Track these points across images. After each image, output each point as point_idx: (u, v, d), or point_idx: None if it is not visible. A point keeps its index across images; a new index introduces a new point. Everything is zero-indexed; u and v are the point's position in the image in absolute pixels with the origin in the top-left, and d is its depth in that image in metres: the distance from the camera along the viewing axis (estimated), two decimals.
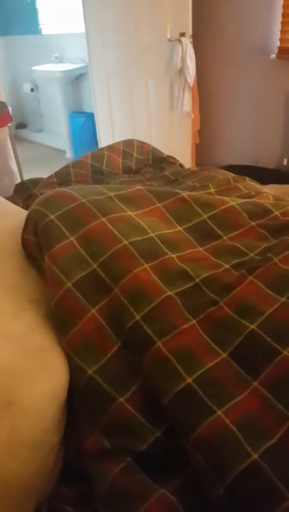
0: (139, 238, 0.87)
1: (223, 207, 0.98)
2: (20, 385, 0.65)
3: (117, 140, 1.86)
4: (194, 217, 0.97)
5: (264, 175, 1.71)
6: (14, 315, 0.77)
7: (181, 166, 1.69)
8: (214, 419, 0.62)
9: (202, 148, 3.03)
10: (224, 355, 0.71)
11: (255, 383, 0.66)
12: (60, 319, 0.78)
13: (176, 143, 2.92)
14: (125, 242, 0.85)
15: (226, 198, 1.02)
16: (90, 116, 3.58)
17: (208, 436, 0.61)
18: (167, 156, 1.71)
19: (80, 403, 0.72)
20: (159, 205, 0.98)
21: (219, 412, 0.63)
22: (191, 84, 2.71)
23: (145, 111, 3.05)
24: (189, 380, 0.67)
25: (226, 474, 0.57)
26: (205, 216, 0.97)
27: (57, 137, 4.27)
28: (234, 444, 0.59)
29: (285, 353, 0.68)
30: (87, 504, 0.66)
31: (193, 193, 1.02)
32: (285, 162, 2.70)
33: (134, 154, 1.69)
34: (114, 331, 0.77)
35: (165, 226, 0.94)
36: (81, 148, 3.72)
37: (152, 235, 0.89)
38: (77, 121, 3.81)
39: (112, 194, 0.97)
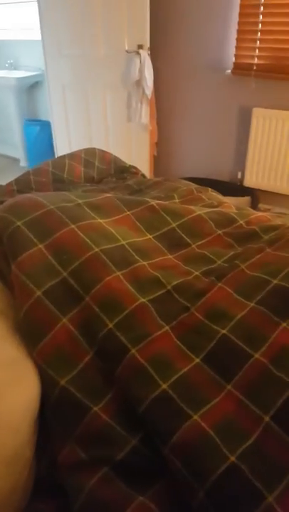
0: (110, 246, 0.87)
1: (191, 216, 1.01)
2: None
3: (74, 150, 1.85)
4: (163, 226, 0.98)
5: (220, 188, 1.78)
6: None
7: (143, 176, 1.71)
8: (191, 424, 0.63)
9: (160, 160, 3.10)
10: (197, 360, 0.72)
11: (229, 386, 0.68)
12: (30, 329, 0.76)
13: (134, 154, 2.96)
14: (96, 250, 0.84)
15: (193, 207, 1.04)
16: (46, 125, 3.54)
17: (186, 441, 0.61)
18: (129, 165, 1.73)
19: (53, 415, 0.70)
20: (128, 213, 0.98)
21: (196, 417, 0.63)
22: (149, 97, 2.77)
23: (102, 122, 3.06)
24: (165, 386, 0.67)
25: (206, 478, 0.58)
26: (174, 224, 0.98)
27: (11, 146, 4.18)
28: (212, 448, 0.60)
29: (256, 356, 0.70)
30: None
31: (162, 202, 1.04)
32: (239, 175, 2.81)
33: (96, 163, 1.69)
34: (86, 340, 0.75)
35: (135, 234, 0.94)
36: (36, 157, 3.66)
37: (123, 242, 0.89)
38: (32, 130, 3.75)
39: (80, 201, 0.96)
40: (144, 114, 2.82)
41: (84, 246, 0.84)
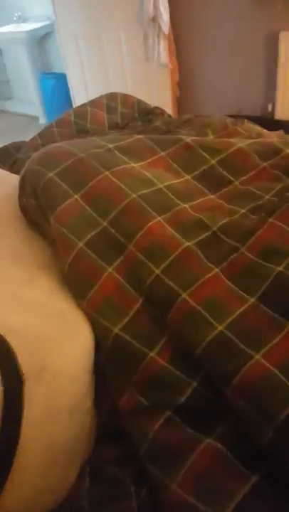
0: (147, 191, 0.82)
1: (231, 150, 0.93)
2: (48, 350, 0.62)
3: (92, 99, 1.76)
4: (202, 164, 0.92)
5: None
6: (28, 282, 0.73)
7: (169, 116, 1.61)
8: (254, 364, 0.60)
9: (183, 101, 2.93)
10: (253, 300, 0.68)
11: None
12: (76, 282, 0.74)
13: (156, 97, 2.81)
14: (134, 196, 0.80)
15: (232, 140, 0.96)
16: (62, 78, 3.40)
17: (249, 381, 0.59)
18: (154, 107, 1.63)
19: (109, 363, 0.69)
20: (162, 154, 0.92)
21: (258, 356, 0.61)
22: (166, 32, 2.58)
23: (119, 65, 2.90)
24: (221, 328, 0.65)
25: (275, 417, 0.56)
26: (213, 161, 0.92)
27: (28, 103, 4.07)
28: (279, 386, 0.58)
29: None
30: (130, 463, 0.64)
31: (197, 138, 0.97)
32: (269, 108, 2.63)
33: (119, 108, 1.60)
34: (134, 288, 0.73)
35: (172, 176, 0.89)
36: (55, 113, 3.55)
37: (161, 186, 0.84)
38: (48, 84, 3.61)
39: (111, 146, 0.90)
40: (163, 51, 2.64)
41: (121, 193, 0.80)
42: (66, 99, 3.36)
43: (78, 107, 1.60)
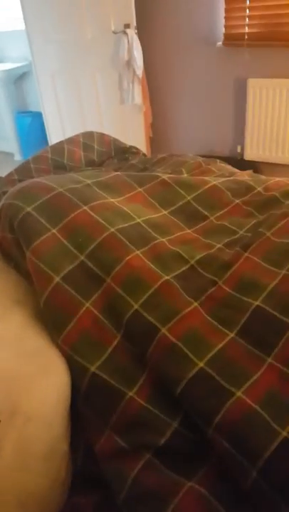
0: (125, 225, 0.82)
1: (206, 187, 0.96)
2: (20, 391, 0.58)
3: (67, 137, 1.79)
4: (178, 200, 0.93)
5: None
6: (1, 318, 0.70)
7: (144, 155, 1.65)
8: (235, 402, 0.59)
9: (156, 142, 3.03)
10: (232, 334, 0.68)
11: (270, 359, 0.64)
12: (52, 317, 0.72)
13: (130, 137, 2.88)
14: (112, 230, 0.80)
15: (206, 178, 0.99)
16: (38, 116, 3.46)
17: (231, 420, 0.58)
18: (129, 146, 1.67)
19: (86, 404, 0.66)
20: (140, 189, 0.94)
21: (239, 393, 0.60)
22: (140, 76, 2.69)
23: (95, 106, 2.98)
24: (201, 364, 0.64)
25: (258, 457, 0.54)
26: (189, 198, 0.94)
27: (4, 140, 4.09)
28: (261, 424, 0.57)
29: None
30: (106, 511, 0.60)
31: (174, 175, 0.99)
32: (238, 149, 2.75)
33: (95, 146, 1.63)
34: (112, 323, 0.72)
35: (150, 211, 0.90)
36: (30, 150, 3.58)
37: (138, 220, 0.85)
38: (23, 122, 3.67)
39: (89, 182, 0.91)
40: (137, 94, 2.74)
41: (99, 227, 0.80)
42: (42, 137, 3.40)
43: (55, 144, 1.62)
